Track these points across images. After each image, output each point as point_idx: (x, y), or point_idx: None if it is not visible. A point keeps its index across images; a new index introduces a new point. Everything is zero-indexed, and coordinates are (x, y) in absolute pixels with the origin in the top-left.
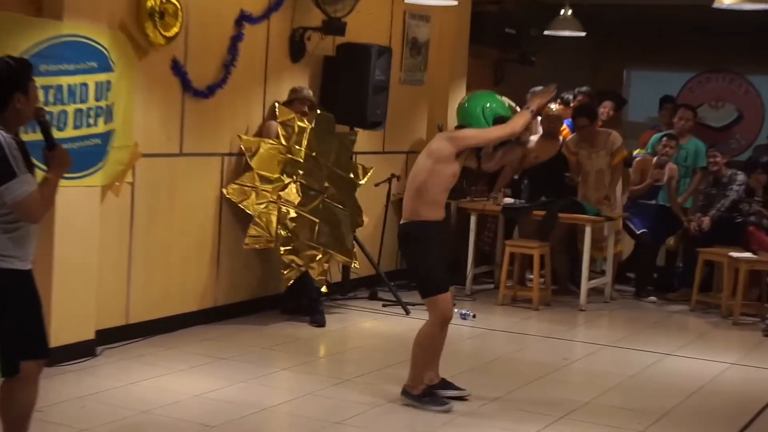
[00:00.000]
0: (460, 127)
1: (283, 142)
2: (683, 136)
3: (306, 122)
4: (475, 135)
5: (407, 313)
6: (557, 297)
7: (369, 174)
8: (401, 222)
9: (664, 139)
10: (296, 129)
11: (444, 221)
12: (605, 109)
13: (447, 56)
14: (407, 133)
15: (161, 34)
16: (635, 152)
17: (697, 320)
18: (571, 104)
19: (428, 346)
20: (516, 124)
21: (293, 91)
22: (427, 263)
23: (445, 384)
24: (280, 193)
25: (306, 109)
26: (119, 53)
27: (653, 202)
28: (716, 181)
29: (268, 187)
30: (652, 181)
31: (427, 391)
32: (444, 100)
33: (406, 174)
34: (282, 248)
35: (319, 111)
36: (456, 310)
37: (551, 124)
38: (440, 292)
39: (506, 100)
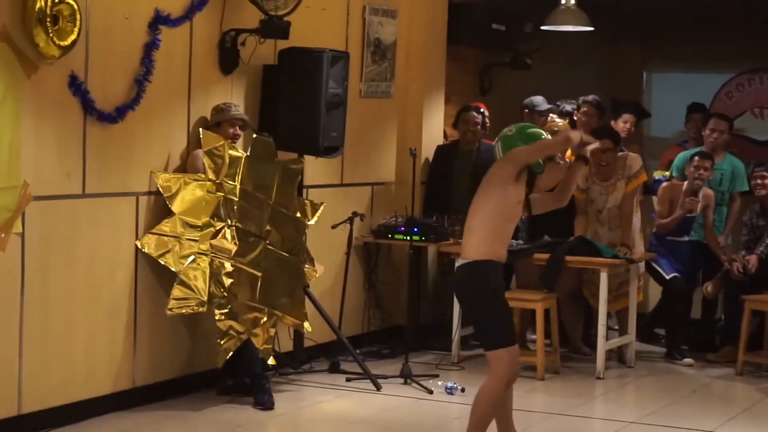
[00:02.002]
0: None
1: (212, 176)
2: (717, 154)
3: (239, 150)
4: (525, 148)
5: (378, 388)
6: (567, 362)
7: (319, 211)
8: (457, 265)
9: (696, 158)
10: (227, 159)
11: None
12: (626, 124)
13: (420, 61)
14: (372, 160)
15: (55, 43)
16: (656, 174)
17: (746, 387)
18: (575, 117)
19: (492, 406)
20: (571, 135)
21: (219, 110)
22: (492, 310)
23: None
24: (211, 241)
25: (236, 131)
26: (1, 69)
27: (685, 238)
28: (764, 209)
29: (195, 234)
30: (683, 212)
31: None
32: (417, 117)
33: (372, 211)
34: (217, 312)
35: (255, 135)
36: (440, 382)
37: None
38: (508, 345)
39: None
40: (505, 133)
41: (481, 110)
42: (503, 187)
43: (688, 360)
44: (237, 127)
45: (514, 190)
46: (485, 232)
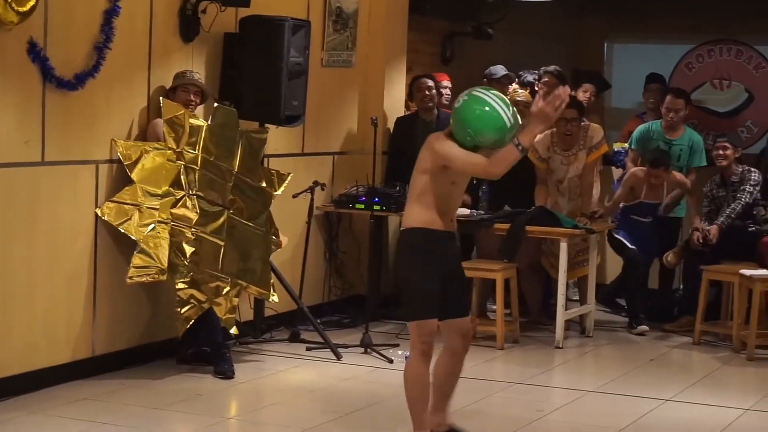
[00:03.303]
0: (450, 134)
1: (172, 145)
2: (675, 130)
3: (200, 119)
4: (453, 157)
5: (338, 357)
6: (527, 332)
7: (286, 182)
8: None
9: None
10: (187, 128)
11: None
12: (586, 93)
13: (381, 30)
14: (334, 130)
15: (13, 8)
16: (616, 146)
17: (703, 356)
18: (537, 88)
19: (417, 388)
20: (497, 166)
21: (176, 76)
22: (414, 279)
23: None
24: (172, 210)
25: (192, 97)
26: None
27: (648, 219)
28: (724, 180)
29: (156, 203)
30: (676, 194)
31: None
32: (379, 86)
33: (333, 181)
34: (178, 281)
35: (216, 103)
36: (400, 352)
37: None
38: (424, 317)
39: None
40: (459, 102)
41: (433, 76)
42: (432, 172)
43: (643, 327)
44: (192, 94)
45: (441, 177)
46: (421, 204)
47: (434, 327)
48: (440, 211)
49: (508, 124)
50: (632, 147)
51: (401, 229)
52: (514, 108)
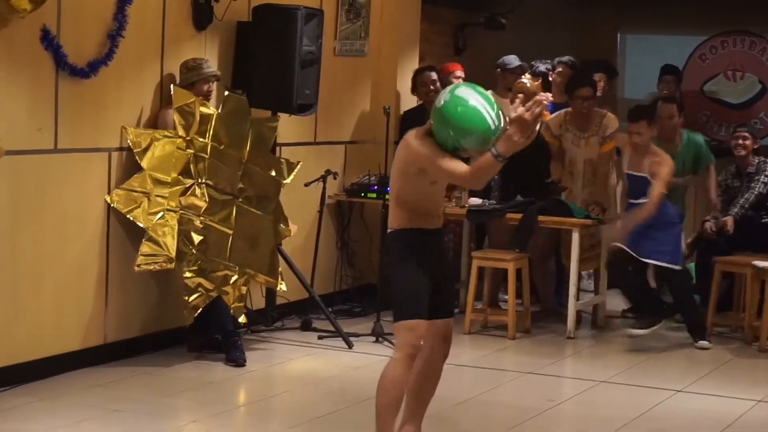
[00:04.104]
0: (430, 132)
1: (182, 133)
2: (672, 140)
3: (210, 107)
4: (431, 160)
5: (350, 346)
6: (539, 322)
7: (296, 170)
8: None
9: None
10: (198, 116)
11: (440, 231)
12: (600, 82)
13: (394, 20)
14: (346, 118)
15: None
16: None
17: (715, 347)
18: (550, 78)
19: (393, 392)
20: (476, 178)
21: (190, 67)
22: (401, 279)
23: None
24: (180, 198)
25: (211, 87)
26: None
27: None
28: (740, 171)
29: (165, 191)
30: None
31: None
32: (391, 76)
33: (345, 170)
34: (186, 269)
35: (227, 92)
36: None
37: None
38: (409, 318)
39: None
40: (441, 102)
41: (436, 68)
42: (409, 173)
43: (703, 343)
44: (209, 85)
45: (420, 178)
46: (401, 207)
47: (424, 328)
48: (424, 211)
49: (492, 127)
50: None
51: (388, 231)
52: (500, 109)
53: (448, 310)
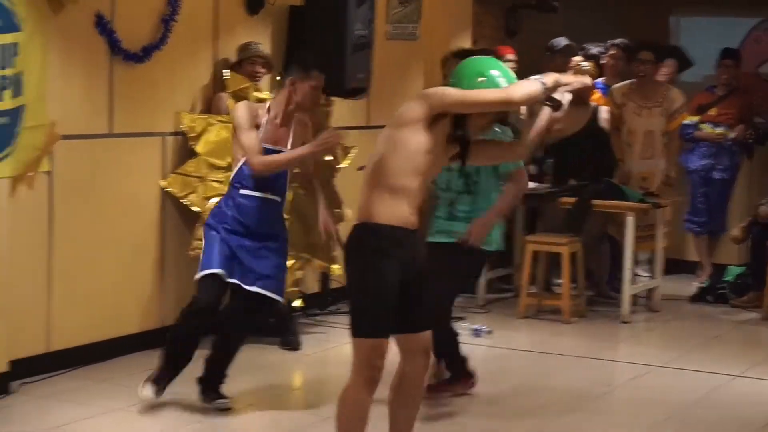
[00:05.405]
0: None
1: None
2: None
3: (264, 92)
4: (456, 94)
5: None
6: (593, 306)
7: (350, 154)
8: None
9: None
10: (252, 101)
11: (416, 232)
12: (668, 69)
13: (446, 3)
14: (398, 102)
15: None
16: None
17: None
18: (602, 61)
19: (356, 412)
20: (515, 91)
21: (241, 48)
22: (363, 288)
23: None
24: None
25: (259, 69)
26: (28, 8)
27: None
28: None
29: (220, 176)
30: None
31: None
32: None
33: None
34: None
35: (279, 77)
36: (466, 325)
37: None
38: (371, 336)
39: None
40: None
41: (489, 52)
42: (406, 132)
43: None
44: (259, 66)
45: (417, 137)
46: (380, 189)
47: (386, 348)
48: (408, 196)
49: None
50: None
51: (355, 222)
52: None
53: (426, 322)
